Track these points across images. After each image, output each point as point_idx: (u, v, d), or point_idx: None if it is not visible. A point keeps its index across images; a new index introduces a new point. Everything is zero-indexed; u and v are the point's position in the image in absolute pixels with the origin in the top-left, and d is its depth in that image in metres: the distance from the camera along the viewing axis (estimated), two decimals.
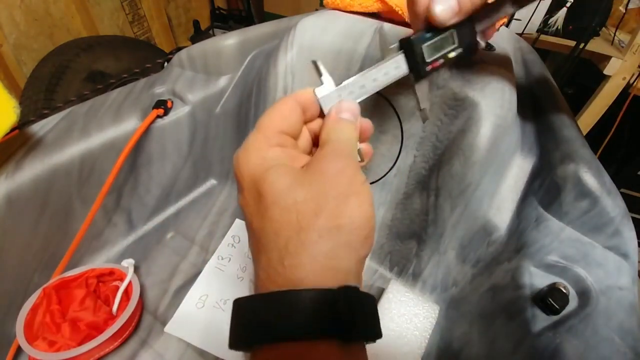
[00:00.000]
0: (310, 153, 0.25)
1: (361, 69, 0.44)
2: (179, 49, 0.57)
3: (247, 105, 0.53)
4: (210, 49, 0.53)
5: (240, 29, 0.55)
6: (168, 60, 0.58)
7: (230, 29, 1.75)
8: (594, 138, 0.96)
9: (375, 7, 0.47)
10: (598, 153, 1.05)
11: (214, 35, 1.79)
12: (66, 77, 1.01)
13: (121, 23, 1.46)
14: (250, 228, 0.21)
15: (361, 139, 0.25)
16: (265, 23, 0.58)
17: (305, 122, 0.24)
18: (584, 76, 1.07)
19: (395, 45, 0.28)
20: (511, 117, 0.40)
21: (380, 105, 0.44)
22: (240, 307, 0.19)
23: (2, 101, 0.37)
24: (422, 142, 0.43)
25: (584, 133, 0.68)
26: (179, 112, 0.51)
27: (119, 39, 1.26)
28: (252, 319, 0.19)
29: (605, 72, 0.93)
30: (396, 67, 0.27)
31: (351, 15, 0.48)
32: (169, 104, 0.49)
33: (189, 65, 0.55)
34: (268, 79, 0.49)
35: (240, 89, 0.54)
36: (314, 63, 0.25)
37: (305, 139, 0.25)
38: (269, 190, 0.19)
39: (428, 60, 0.27)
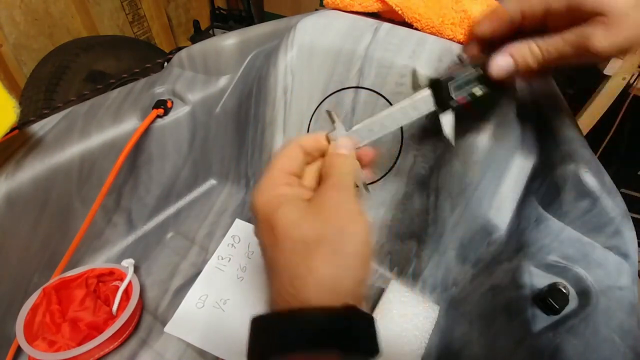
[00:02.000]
0: (315, 189, 0.28)
1: (361, 69, 0.44)
2: (179, 49, 0.57)
3: (247, 105, 0.53)
4: (210, 49, 0.53)
5: (240, 29, 0.56)
6: (168, 60, 0.58)
7: (230, 29, 1.75)
8: (594, 138, 0.96)
9: (375, 7, 0.47)
10: (598, 153, 1.05)
11: (214, 35, 1.79)
12: (66, 77, 1.01)
13: (121, 23, 1.46)
14: (265, 255, 0.24)
15: (363, 164, 0.28)
16: (265, 23, 0.58)
17: (308, 163, 0.28)
18: (583, 76, 1.07)
19: (425, 83, 0.32)
20: (511, 117, 0.40)
21: (380, 106, 0.44)
22: (256, 323, 0.22)
23: (2, 101, 0.37)
24: (422, 142, 0.43)
25: (584, 133, 0.68)
26: (179, 112, 0.51)
27: (119, 39, 1.26)
28: (265, 334, 0.21)
29: (605, 72, 0.93)
30: (425, 102, 0.31)
31: (351, 15, 0.48)
32: (169, 104, 0.49)
33: (189, 65, 0.55)
34: (268, 79, 0.49)
35: (240, 89, 0.54)
36: (328, 113, 0.29)
37: (310, 177, 0.28)
38: (280, 224, 0.23)
39: (454, 96, 0.31)
